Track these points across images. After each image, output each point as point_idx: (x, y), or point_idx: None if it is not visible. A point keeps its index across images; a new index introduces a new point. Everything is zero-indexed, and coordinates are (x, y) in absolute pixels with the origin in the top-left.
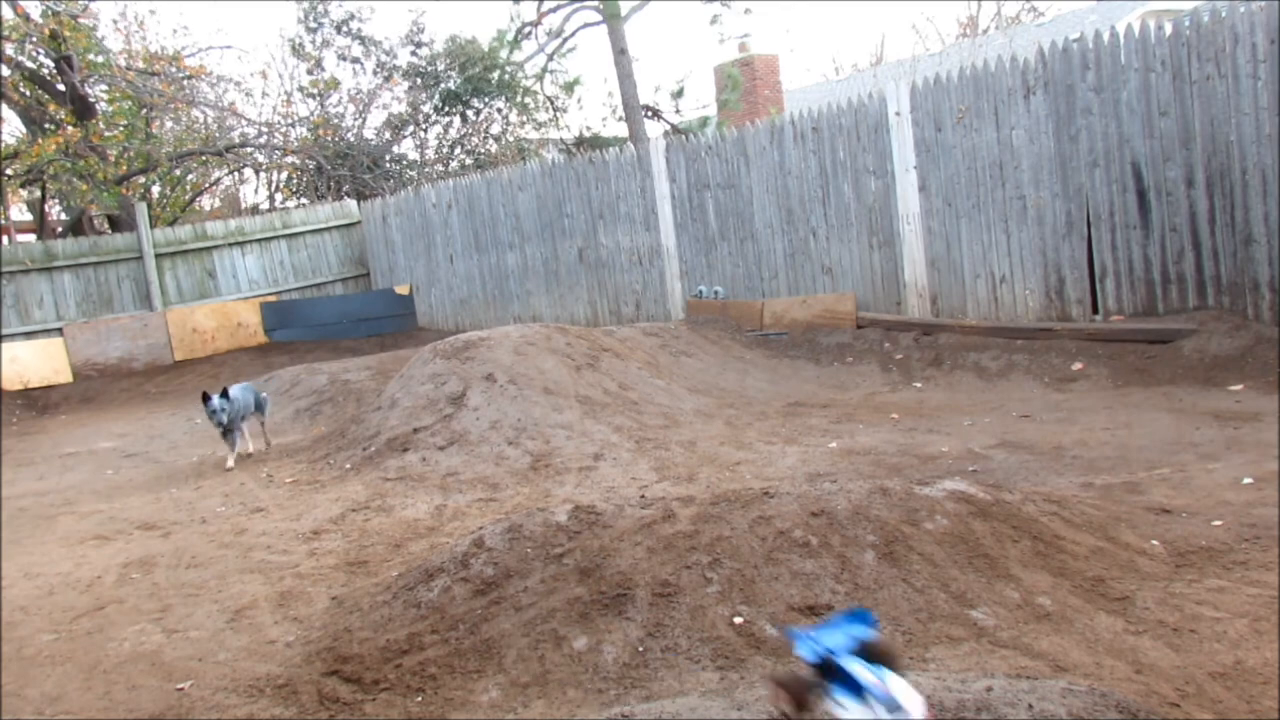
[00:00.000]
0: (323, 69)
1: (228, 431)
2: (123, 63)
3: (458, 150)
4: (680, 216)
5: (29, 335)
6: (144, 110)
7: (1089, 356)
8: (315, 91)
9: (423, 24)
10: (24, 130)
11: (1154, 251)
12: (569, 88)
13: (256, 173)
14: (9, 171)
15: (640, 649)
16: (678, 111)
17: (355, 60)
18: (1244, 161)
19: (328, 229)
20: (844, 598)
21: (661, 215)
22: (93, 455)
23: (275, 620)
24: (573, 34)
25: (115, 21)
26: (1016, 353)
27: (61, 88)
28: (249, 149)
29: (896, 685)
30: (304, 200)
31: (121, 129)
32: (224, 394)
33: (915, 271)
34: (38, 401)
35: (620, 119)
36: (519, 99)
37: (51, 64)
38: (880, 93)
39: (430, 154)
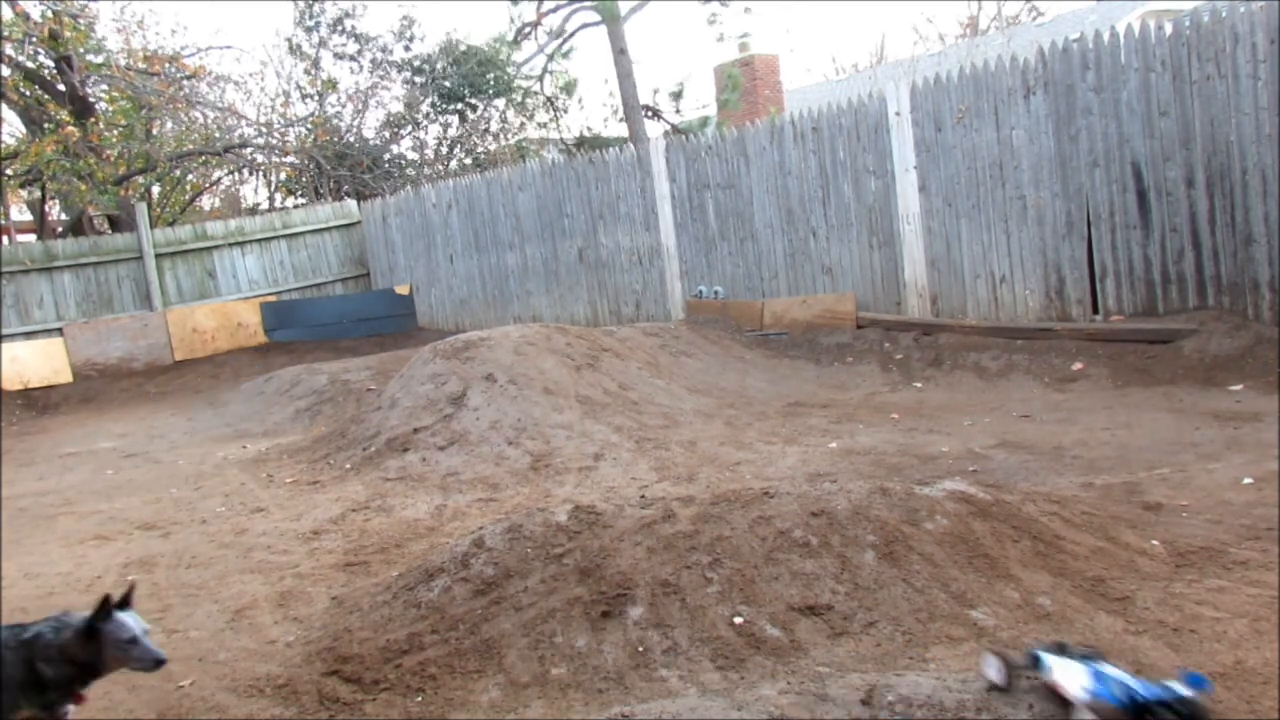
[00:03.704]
0: (320, 69)
1: None
2: (122, 62)
3: (457, 150)
4: (680, 216)
5: (29, 335)
6: (143, 110)
7: (1089, 356)
8: (314, 91)
9: (413, 18)
10: (24, 130)
11: (1154, 251)
12: (567, 88)
13: (253, 173)
14: (9, 171)
15: (640, 649)
16: (678, 111)
17: (351, 58)
18: (1244, 161)
19: (328, 229)
20: (844, 597)
21: (661, 215)
22: (93, 455)
23: (275, 620)
24: (572, 34)
25: (115, 20)
26: (1016, 353)
27: (61, 88)
28: (248, 149)
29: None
30: (304, 200)
31: (121, 129)
32: None
33: (915, 271)
34: (38, 401)
35: (620, 119)
36: (519, 99)
37: (51, 64)
38: (880, 93)
39: (429, 154)
